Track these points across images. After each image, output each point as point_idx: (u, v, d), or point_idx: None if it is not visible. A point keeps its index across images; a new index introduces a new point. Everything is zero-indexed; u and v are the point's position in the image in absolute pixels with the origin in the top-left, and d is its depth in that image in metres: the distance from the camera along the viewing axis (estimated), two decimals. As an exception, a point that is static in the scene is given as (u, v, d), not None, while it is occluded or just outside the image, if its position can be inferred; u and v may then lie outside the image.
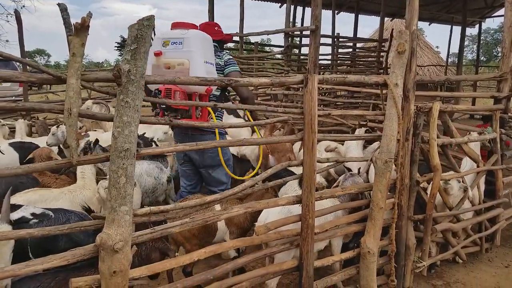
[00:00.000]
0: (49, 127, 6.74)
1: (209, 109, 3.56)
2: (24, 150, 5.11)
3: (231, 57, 4.06)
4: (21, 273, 2.08)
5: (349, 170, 4.58)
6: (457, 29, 16.64)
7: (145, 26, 2.10)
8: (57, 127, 5.55)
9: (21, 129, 6.66)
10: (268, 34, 8.64)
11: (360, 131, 5.93)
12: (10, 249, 2.56)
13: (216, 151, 3.89)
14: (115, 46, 46.99)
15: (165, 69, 3.44)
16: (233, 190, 2.76)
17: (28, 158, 4.56)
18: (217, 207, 3.47)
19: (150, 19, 2.14)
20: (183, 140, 3.88)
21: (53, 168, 2.20)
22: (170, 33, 3.57)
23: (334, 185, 4.05)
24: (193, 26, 3.68)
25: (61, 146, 5.50)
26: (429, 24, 18.71)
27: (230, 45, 11.91)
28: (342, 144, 5.94)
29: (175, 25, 3.65)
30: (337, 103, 10.18)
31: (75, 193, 3.80)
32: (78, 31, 2.06)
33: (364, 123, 6.11)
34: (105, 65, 39.37)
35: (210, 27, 4.05)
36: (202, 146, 2.61)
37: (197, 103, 3.06)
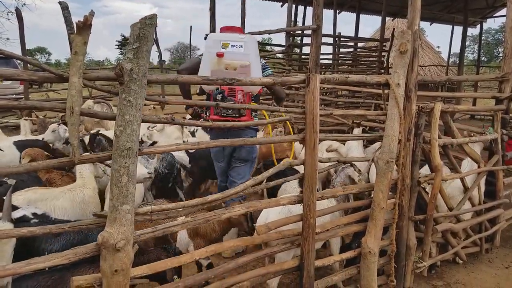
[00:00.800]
0: (48, 125, 6.75)
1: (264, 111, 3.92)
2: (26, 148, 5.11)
3: (265, 61, 4.29)
4: (23, 271, 2.09)
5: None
6: (458, 29, 16.63)
7: (147, 25, 2.10)
8: (59, 124, 5.55)
9: (25, 126, 6.67)
10: (269, 34, 8.61)
11: (358, 131, 5.94)
12: (11, 247, 2.56)
13: (252, 147, 4.18)
14: (116, 45, 47.05)
15: (224, 69, 3.67)
16: (235, 189, 2.76)
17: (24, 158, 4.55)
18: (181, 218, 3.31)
19: (153, 18, 2.13)
20: (224, 137, 3.84)
21: (55, 166, 2.21)
22: (228, 36, 3.82)
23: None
24: (241, 30, 4.06)
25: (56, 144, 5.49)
26: (430, 24, 18.67)
27: (231, 44, 11.86)
28: (344, 144, 5.94)
29: (227, 29, 3.98)
30: (338, 103, 10.17)
31: (75, 192, 3.79)
32: (80, 30, 2.06)
33: (358, 122, 6.12)
34: (106, 64, 39.38)
35: (239, 31, 4.16)
36: (204, 145, 2.61)
37: (203, 103, 3.04)
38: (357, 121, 6.11)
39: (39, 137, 5.92)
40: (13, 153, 5.27)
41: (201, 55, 3.98)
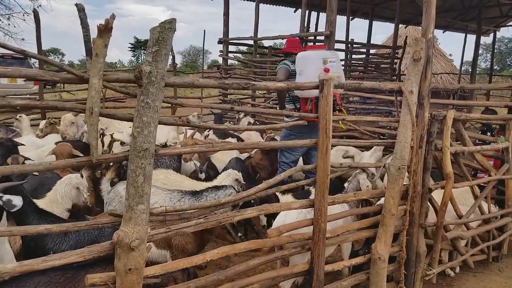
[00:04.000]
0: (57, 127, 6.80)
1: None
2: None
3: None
4: (39, 267, 2.13)
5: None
6: (471, 38, 16.57)
7: (166, 29, 2.14)
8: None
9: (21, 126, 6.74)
10: (282, 39, 8.67)
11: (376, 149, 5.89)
12: None
13: None
14: (129, 47, 47.41)
15: None
16: (247, 192, 2.79)
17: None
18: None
19: (172, 22, 2.18)
20: (311, 130, 4.39)
21: (73, 165, 2.26)
22: (325, 53, 4.51)
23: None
24: (325, 46, 5.18)
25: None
26: (443, 32, 18.60)
27: (243, 48, 11.95)
28: (362, 151, 5.99)
29: (311, 47, 5.03)
30: (349, 109, 10.15)
31: None
32: (101, 33, 2.11)
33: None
34: (118, 66, 39.66)
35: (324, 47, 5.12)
36: (218, 148, 2.65)
37: (220, 106, 3.10)
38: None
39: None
40: None
41: (284, 64, 4.99)
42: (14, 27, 15.61)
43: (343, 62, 13.45)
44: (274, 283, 3.14)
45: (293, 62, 4.93)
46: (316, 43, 5.60)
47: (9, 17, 15.48)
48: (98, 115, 2.13)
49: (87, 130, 2.13)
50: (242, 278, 2.97)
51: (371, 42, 15.48)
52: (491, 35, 17.95)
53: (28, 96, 12.35)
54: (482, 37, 17.03)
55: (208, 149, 2.58)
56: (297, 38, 5.31)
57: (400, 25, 16.55)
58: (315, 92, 4.24)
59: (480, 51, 16.46)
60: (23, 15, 15.02)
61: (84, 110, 2.14)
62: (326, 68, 4.20)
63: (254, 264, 2.94)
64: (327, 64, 4.29)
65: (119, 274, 2.22)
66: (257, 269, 3.71)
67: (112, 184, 4.01)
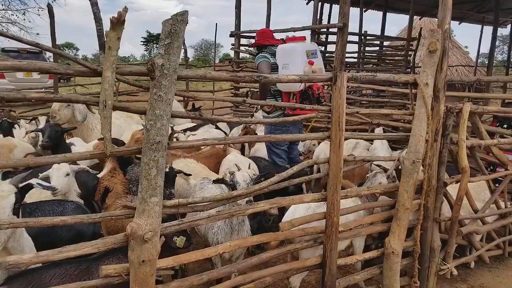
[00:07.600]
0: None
1: None
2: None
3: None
4: (55, 258, 2.17)
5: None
6: (487, 29, 16.25)
7: (179, 21, 2.14)
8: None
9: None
10: (294, 31, 8.58)
11: (379, 132, 5.87)
12: (9, 203, 2.49)
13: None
14: (141, 41, 47.62)
15: (312, 73, 4.21)
16: (259, 186, 2.78)
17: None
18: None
19: (184, 14, 2.17)
20: (295, 123, 4.65)
21: (87, 158, 2.27)
22: (307, 45, 4.58)
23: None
24: (305, 38, 4.89)
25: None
26: (459, 23, 18.25)
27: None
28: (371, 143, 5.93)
29: (293, 39, 4.80)
30: (362, 102, 10.06)
31: None
32: (114, 26, 2.11)
33: (377, 123, 6.11)
34: (131, 60, 39.86)
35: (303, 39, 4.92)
36: (230, 141, 2.64)
37: (232, 99, 3.09)
38: (376, 122, 6.09)
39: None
40: None
41: (264, 57, 4.68)
42: (29, 22, 15.81)
43: (356, 54, 13.37)
44: (285, 276, 3.15)
45: (272, 54, 4.82)
46: (295, 35, 5.47)
47: (25, 12, 15.68)
48: (111, 108, 2.14)
49: (101, 123, 2.14)
50: (254, 271, 2.98)
51: (385, 34, 15.28)
52: (509, 26, 17.58)
53: (43, 89, 12.47)
54: (499, 29, 16.70)
55: (220, 142, 2.58)
56: (269, 29, 5.58)
57: (415, 17, 16.30)
58: (298, 86, 4.27)
59: (497, 43, 16.12)
60: (38, 10, 15.21)
61: (98, 103, 2.15)
62: (310, 60, 4.25)
63: (267, 257, 2.94)
64: (310, 56, 4.33)
65: (132, 266, 2.24)
66: (268, 262, 3.71)
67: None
